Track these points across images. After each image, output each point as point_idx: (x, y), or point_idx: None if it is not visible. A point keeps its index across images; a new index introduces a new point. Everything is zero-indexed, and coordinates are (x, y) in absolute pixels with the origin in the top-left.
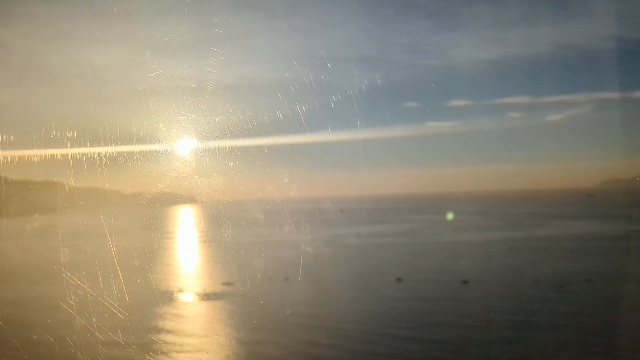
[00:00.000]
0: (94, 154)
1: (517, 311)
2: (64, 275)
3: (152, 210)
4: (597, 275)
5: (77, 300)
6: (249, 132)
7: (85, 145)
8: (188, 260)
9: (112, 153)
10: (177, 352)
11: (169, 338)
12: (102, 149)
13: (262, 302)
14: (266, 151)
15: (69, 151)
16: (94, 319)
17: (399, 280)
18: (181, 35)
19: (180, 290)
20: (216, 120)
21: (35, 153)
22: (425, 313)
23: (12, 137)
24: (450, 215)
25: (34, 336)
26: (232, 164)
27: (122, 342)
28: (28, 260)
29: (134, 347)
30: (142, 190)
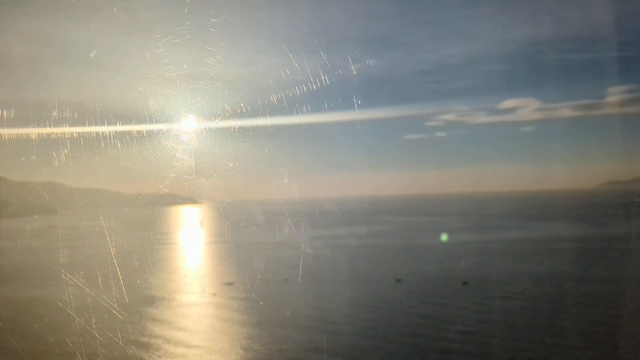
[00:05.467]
0: (93, 153)
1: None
2: (63, 276)
3: (152, 211)
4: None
5: (77, 300)
6: (249, 130)
7: (81, 144)
8: (188, 260)
9: (111, 142)
10: (176, 351)
11: (168, 337)
12: (100, 129)
13: (261, 303)
14: (266, 151)
15: (67, 130)
16: (93, 320)
17: (398, 281)
18: (181, 35)
19: (180, 290)
20: (215, 120)
21: (34, 131)
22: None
23: (13, 113)
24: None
25: (34, 337)
26: (232, 164)
27: (121, 342)
28: (28, 261)
29: (134, 347)
30: (142, 190)
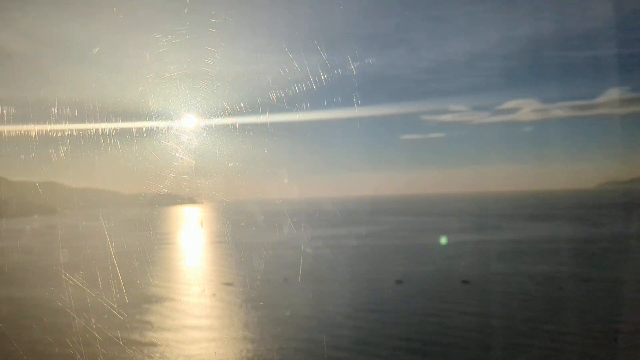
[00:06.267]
0: (92, 152)
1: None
2: (63, 276)
3: (152, 211)
4: None
5: (77, 301)
6: (249, 129)
7: (81, 143)
8: (188, 260)
9: (110, 141)
10: (176, 351)
11: (167, 337)
12: (100, 128)
13: (261, 303)
14: (266, 151)
15: (67, 128)
16: (93, 320)
17: (399, 282)
18: (181, 34)
19: (180, 290)
20: (215, 120)
21: (34, 130)
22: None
23: (12, 112)
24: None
25: (34, 336)
26: (232, 164)
27: (121, 342)
28: (28, 261)
29: (133, 347)
30: (142, 190)
